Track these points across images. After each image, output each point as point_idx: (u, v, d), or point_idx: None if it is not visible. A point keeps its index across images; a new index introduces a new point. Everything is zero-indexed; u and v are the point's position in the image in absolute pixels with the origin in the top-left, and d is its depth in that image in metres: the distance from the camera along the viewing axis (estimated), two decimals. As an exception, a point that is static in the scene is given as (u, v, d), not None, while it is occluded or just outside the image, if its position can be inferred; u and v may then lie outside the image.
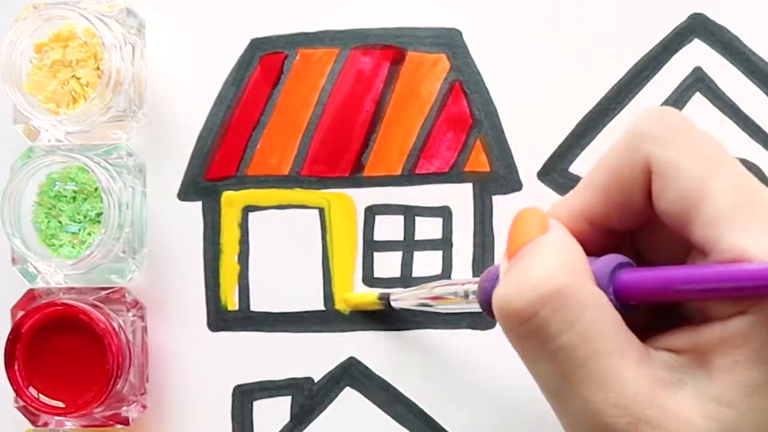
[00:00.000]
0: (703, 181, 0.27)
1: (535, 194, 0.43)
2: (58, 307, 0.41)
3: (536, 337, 0.28)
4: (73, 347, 0.41)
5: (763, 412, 0.26)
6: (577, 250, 0.29)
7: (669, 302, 0.29)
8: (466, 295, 0.36)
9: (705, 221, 0.27)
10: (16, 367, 0.41)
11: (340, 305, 0.43)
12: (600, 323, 0.27)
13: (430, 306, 0.39)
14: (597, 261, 0.29)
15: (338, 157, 0.44)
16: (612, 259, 0.29)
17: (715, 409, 0.26)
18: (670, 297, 0.28)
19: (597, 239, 0.30)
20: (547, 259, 0.28)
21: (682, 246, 0.28)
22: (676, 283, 0.27)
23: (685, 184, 0.27)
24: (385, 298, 0.42)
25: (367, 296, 0.43)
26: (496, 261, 0.43)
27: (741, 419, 0.26)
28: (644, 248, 0.31)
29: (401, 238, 0.43)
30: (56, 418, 0.42)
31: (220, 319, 0.44)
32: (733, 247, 0.26)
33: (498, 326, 0.42)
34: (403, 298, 0.40)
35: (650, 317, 0.30)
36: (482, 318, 0.43)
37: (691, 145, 0.28)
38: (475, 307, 0.34)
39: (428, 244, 0.43)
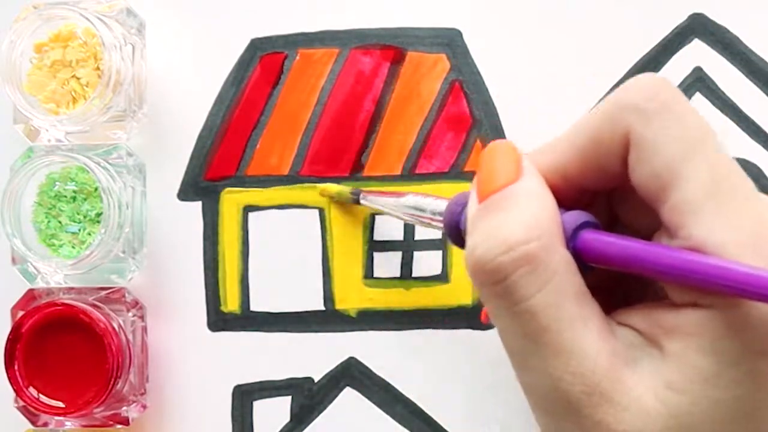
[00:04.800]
0: (677, 164, 0.27)
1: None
2: (58, 307, 0.41)
3: (503, 298, 0.27)
4: (73, 347, 0.41)
5: (716, 403, 0.26)
6: (550, 205, 0.28)
7: (625, 273, 0.28)
8: (433, 215, 0.35)
9: (673, 205, 0.27)
10: (16, 367, 0.41)
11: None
12: (567, 291, 0.27)
13: (400, 217, 0.38)
14: (564, 215, 0.29)
15: (338, 157, 0.44)
16: (578, 216, 0.29)
17: (666, 393, 0.26)
18: (625, 268, 0.27)
19: (570, 193, 0.30)
20: (520, 218, 0.28)
21: (655, 214, 0.28)
22: (632, 257, 0.27)
23: (659, 163, 0.27)
24: (356, 194, 0.41)
25: (338, 187, 0.43)
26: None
27: (692, 407, 0.26)
28: (619, 208, 0.31)
29: (401, 238, 0.43)
30: (56, 418, 0.42)
31: (220, 319, 0.44)
32: (693, 237, 0.26)
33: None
34: (373, 201, 0.40)
35: (616, 283, 0.30)
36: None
37: (673, 125, 0.27)
38: (440, 228, 0.34)
39: (428, 244, 0.43)
